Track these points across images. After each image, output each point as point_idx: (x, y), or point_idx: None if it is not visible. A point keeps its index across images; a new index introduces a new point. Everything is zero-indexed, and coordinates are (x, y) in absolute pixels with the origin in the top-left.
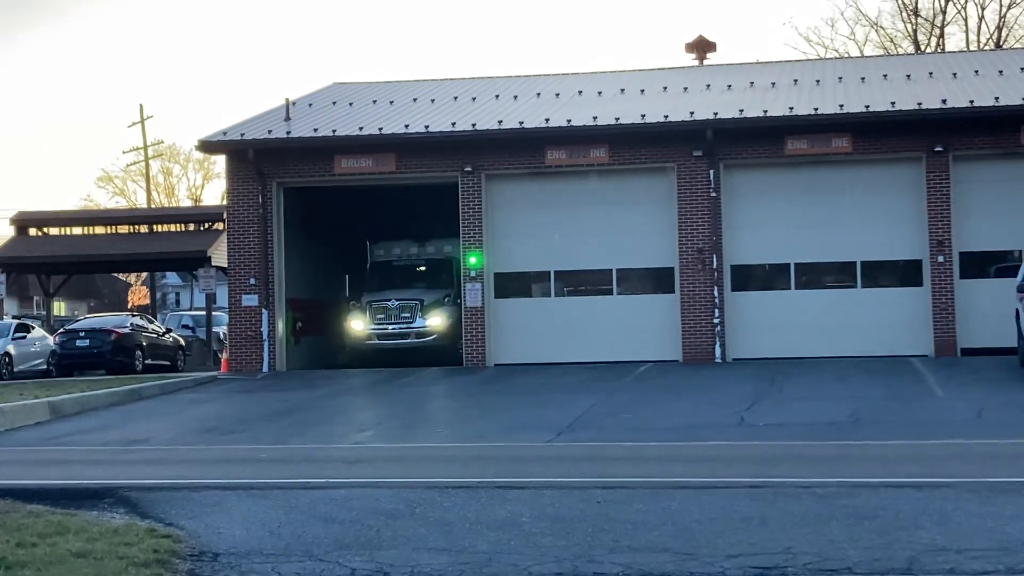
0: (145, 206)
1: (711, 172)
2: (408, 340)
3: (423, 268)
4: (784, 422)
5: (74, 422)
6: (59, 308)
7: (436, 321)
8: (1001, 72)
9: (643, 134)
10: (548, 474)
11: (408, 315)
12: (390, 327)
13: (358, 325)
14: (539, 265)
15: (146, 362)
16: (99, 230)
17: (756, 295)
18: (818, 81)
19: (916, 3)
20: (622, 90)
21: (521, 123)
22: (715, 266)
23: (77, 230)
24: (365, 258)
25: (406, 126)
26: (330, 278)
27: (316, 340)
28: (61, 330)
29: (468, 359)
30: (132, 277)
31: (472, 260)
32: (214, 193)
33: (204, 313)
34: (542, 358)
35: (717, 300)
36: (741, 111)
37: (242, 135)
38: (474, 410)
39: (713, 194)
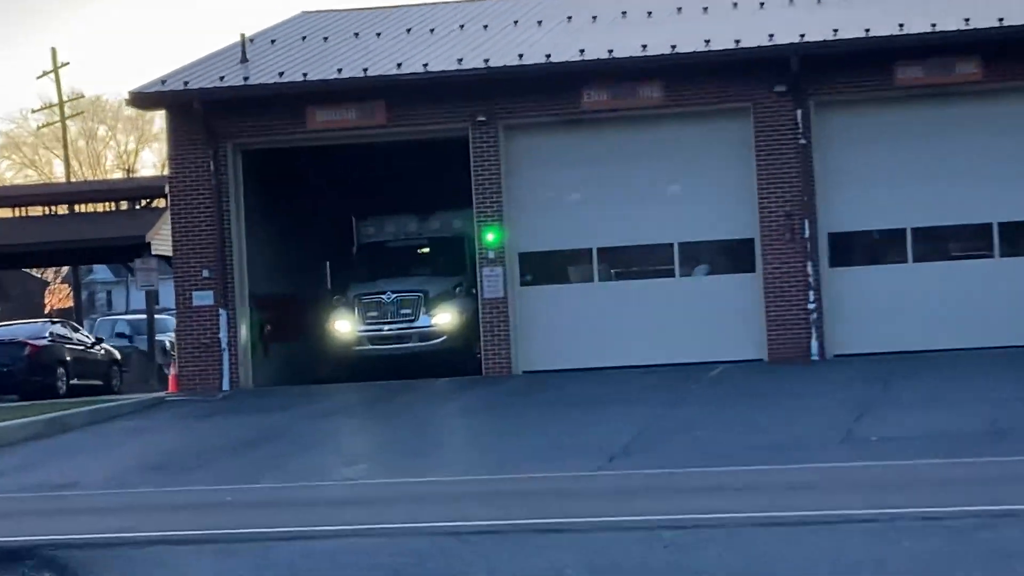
0: (63, 180)
1: (798, 113)
2: (409, 344)
3: (426, 250)
4: (902, 435)
5: None
6: None
7: (445, 318)
8: None
9: (708, 66)
10: (597, 512)
11: (408, 311)
12: (386, 328)
13: (344, 326)
14: (577, 241)
15: (72, 382)
16: (3, 212)
17: (862, 271)
18: None
19: None
20: (679, 8)
21: (548, 56)
22: (808, 235)
23: None
24: (351, 239)
25: (398, 65)
26: (307, 267)
27: (290, 347)
28: None
29: (488, 366)
30: (49, 273)
31: (489, 237)
32: (152, 161)
33: (144, 317)
34: (584, 362)
35: (812, 279)
36: (835, 31)
37: (186, 83)
38: (498, 432)
39: (802, 141)
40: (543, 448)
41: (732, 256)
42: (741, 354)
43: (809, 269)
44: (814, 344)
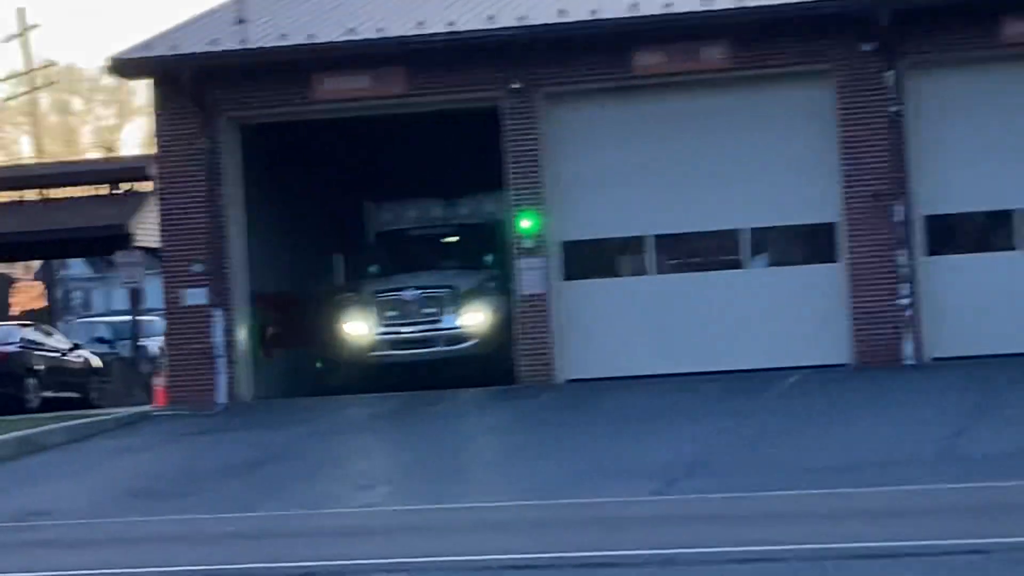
0: (33, 160)
1: (889, 75)
2: (434, 348)
3: (453, 239)
4: (1011, 452)
5: None
6: None
7: (475, 318)
8: None
9: (781, 21)
10: (655, 543)
11: (433, 310)
12: (406, 330)
13: (359, 328)
14: (629, 227)
15: (45, 395)
16: None
17: (965, 260)
18: None
19: None
20: None
21: (594, 12)
22: (900, 218)
23: None
24: (366, 227)
25: (420, 23)
26: (315, 260)
27: (296, 353)
28: None
29: (525, 374)
30: (18, 269)
31: (527, 224)
32: (136, 138)
33: (127, 319)
34: (638, 368)
35: (905, 270)
36: None
37: (174, 48)
38: (537, 450)
39: (893, 109)
40: (589, 470)
41: (811, 244)
42: (821, 358)
43: (902, 258)
44: (907, 346)
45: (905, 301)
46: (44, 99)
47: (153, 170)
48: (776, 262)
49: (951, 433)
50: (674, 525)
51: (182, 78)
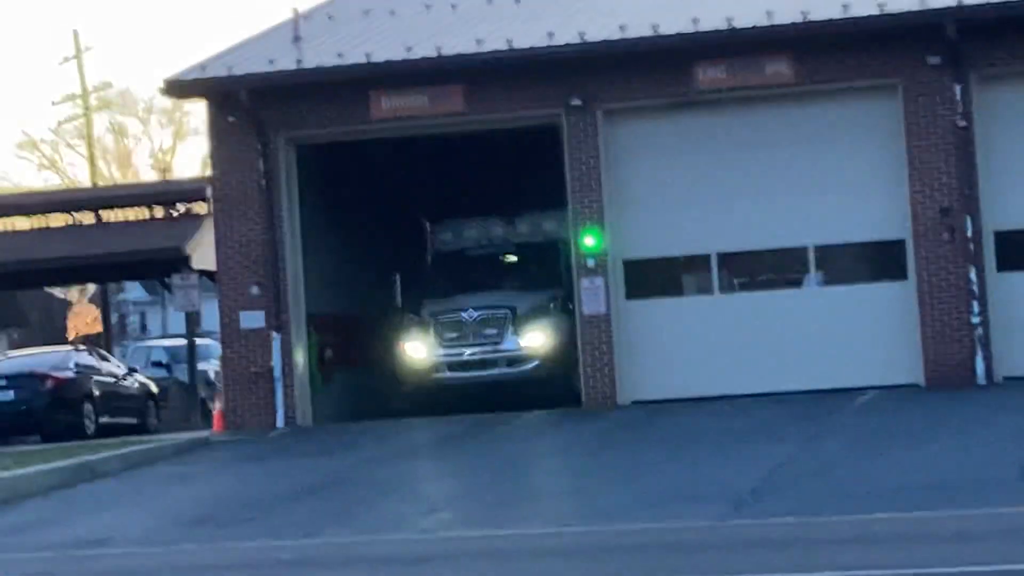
0: (88, 183)
1: (957, 89)
2: (495, 370)
3: (513, 259)
4: None
5: None
6: None
7: (537, 339)
8: None
9: (847, 35)
10: (723, 568)
11: (494, 332)
12: (467, 351)
13: (418, 351)
14: (692, 246)
15: (101, 421)
16: (21, 223)
17: None
18: None
19: None
20: None
21: (655, 27)
22: (969, 234)
23: None
24: (424, 247)
25: (478, 41)
26: (373, 281)
27: (355, 375)
28: None
29: (588, 396)
30: (74, 292)
31: (588, 242)
32: (191, 159)
33: (184, 343)
34: (703, 390)
35: (975, 287)
36: None
37: (230, 68)
38: (602, 474)
39: (962, 123)
40: (655, 494)
41: (878, 260)
42: (892, 378)
43: (972, 275)
44: (979, 365)
45: (976, 319)
46: (99, 121)
47: (209, 192)
48: (844, 280)
49: None
50: (742, 550)
51: (238, 98)
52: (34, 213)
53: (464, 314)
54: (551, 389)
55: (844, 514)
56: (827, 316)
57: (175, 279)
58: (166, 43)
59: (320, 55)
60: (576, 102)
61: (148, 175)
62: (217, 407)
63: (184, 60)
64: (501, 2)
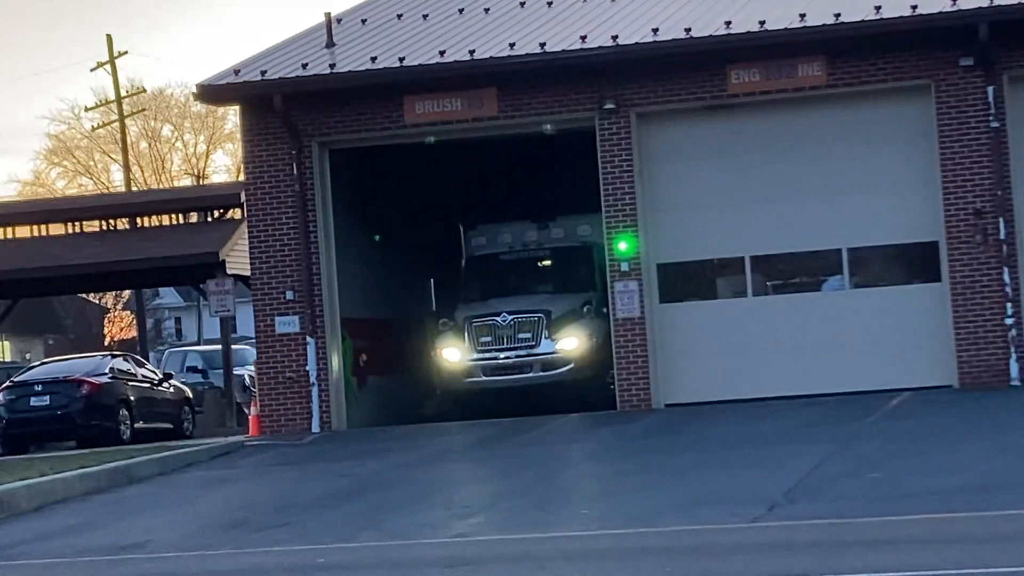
0: (123, 189)
1: (989, 90)
2: (530, 374)
3: (548, 263)
4: None
5: (32, 521)
6: (1, 350)
7: (571, 343)
8: None
9: (879, 37)
10: (756, 571)
11: (528, 335)
12: (502, 355)
13: (453, 355)
14: (726, 249)
15: (136, 426)
16: (55, 229)
17: None
18: None
19: None
20: None
21: (688, 31)
22: (1003, 236)
23: (22, 231)
24: (458, 252)
25: (511, 45)
26: (407, 285)
27: (389, 380)
28: (6, 383)
29: (623, 399)
30: (109, 299)
31: (622, 246)
32: (226, 165)
33: (219, 348)
34: (737, 392)
35: (1009, 289)
36: None
37: (263, 73)
38: (636, 477)
39: (994, 124)
40: (689, 496)
41: (912, 262)
42: (925, 380)
43: (1006, 277)
44: (1014, 367)
45: (1010, 321)
46: (133, 126)
47: (243, 197)
48: (877, 282)
49: None
50: (776, 552)
51: (271, 103)
52: (69, 219)
53: (499, 318)
54: (585, 393)
55: (878, 516)
56: (860, 318)
57: (210, 284)
58: (200, 47)
59: (353, 59)
60: (609, 105)
61: (183, 180)
62: (252, 412)
63: (219, 62)
64: (534, 6)
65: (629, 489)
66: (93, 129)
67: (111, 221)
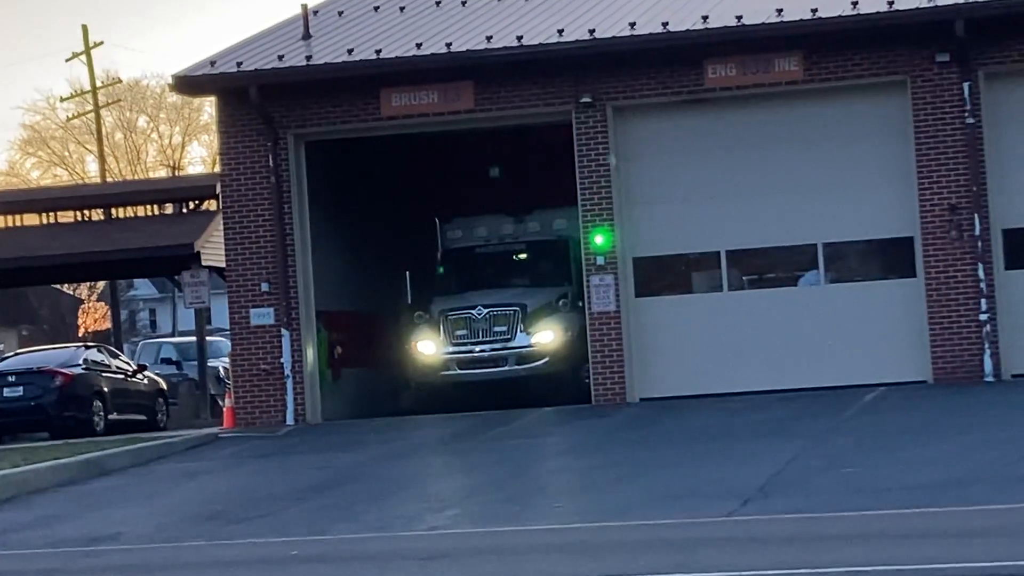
0: (98, 180)
1: (965, 86)
2: (505, 368)
3: (523, 256)
4: None
5: (4, 513)
6: None
7: (546, 336)
8: None
9: (856, 32)
10: (731, 564)
11: (503, 329)
12: (477, 348)
13: (428, 348)
14: (702, 243)
15: (110, 417)
16: (29, 219)
17: None
18: None
19: None
20: None
21: (665, 24)
22: (978, 232)
23: None
24: (434, 244)
25: (488, 38)
26: (383, 278)
27: (365, 373)
28: None
29: (598, 393)
30: (83, 289)
31: (598, 240)
32: (202, 156)
33: (193, 340)
34: (712, 387)
35: (983, 285)
36: None
37: (239, 64)
38: (611, 471)
39: (970, 120)
40: (664, 490)
41: (887, 258)
42: (900, 375)
43: (980, 273)
44: (987, 362)
45: (984, 316)
46: (108, 117)
47: (218, 188)
48: (853, 277)
49: None
50: (750, 546)
51: (247, 95)
52: (43, 210)
53: (474, 311)
54: (561, 386)
55: (852, 510)
56: (835, 314)
57: (185, 276)
58: (176, 38)
59: (330, 51)
60: (586, 99)
61: (158, 172)
62: (227, 404)
63: (195, 53)
64: None
65: (604, 483)
66: (68, 119)
67: (86, 212)
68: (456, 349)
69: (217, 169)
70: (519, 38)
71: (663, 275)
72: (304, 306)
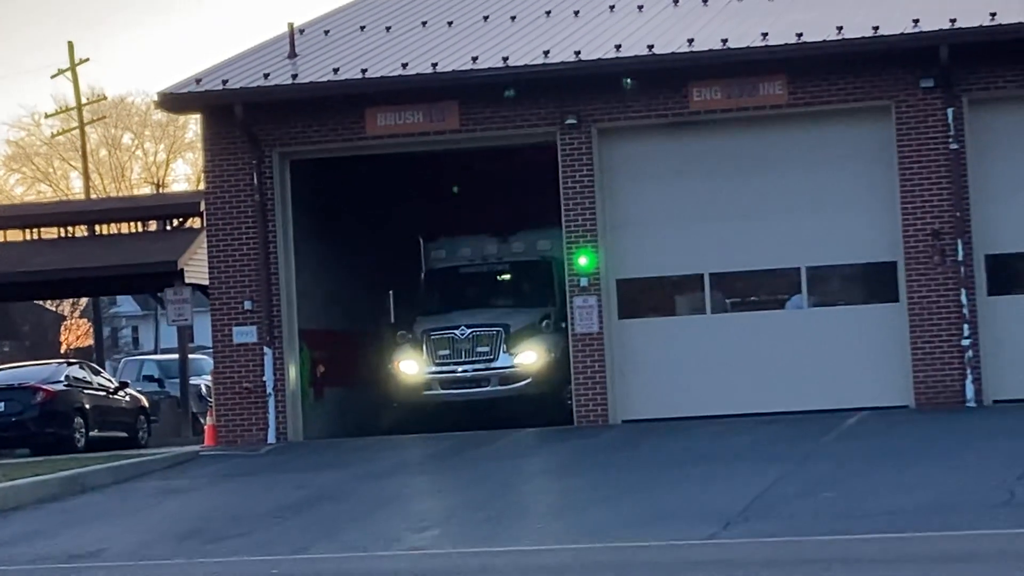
0: (82, 196)
1: (949, 112)
2: (488, 388)
3: (507, 276)
4: None
5: None
6: None
7: (529, 357)
8: None
9: (841, 57)
10: None
11: (486, 349)
12: (460, 369)
13: (411, 367)
14: (685, 266)
15: (91, 434)
16: (13, 235)
17: None
18: None
19: None
20: None
21: (651, 47)
22: (960, 257)
23: None
24: (418, 264)
25: (474, 59)
26: (366, 297)
27: (347, 392)
28: None
29: (581, 414)
30: (66, 306)
31: (582, 261)
32: (186, 174)
33: (176, 357)
34: (694, 409)
35: (966, 310)
36: (993, 15)
37: (225, 82)
38: (592, 492)
39: (953, 146)
40: (644, 513)
41: (870, 283)
42: (882, 400)
43: (963, 298)
44: (969, 387)
45: (966, 342)
46: (93, 134)
47: (203, 206)
48: (836, 301)
49: (1014, 477)
50: (731, 569)
51: (233, 113)
52: (27, 226)
53: (457, 331)
54: (543, 407)
55: (833, 534)
56: (818, 337)
57: (168, 293)
58: (162, 56)
59: (315, 70)
60: (571, 120)
61: (143, 189)
62: (208, 422)
63: (180, 71)
64: (497, 20)
65: (585, 504)
66: (53, 136)
67: (69, 228)
68: (439, 369)
69: (201, 187)
70: (505, 59)
71: (647, 297)
72: (287, 325)
